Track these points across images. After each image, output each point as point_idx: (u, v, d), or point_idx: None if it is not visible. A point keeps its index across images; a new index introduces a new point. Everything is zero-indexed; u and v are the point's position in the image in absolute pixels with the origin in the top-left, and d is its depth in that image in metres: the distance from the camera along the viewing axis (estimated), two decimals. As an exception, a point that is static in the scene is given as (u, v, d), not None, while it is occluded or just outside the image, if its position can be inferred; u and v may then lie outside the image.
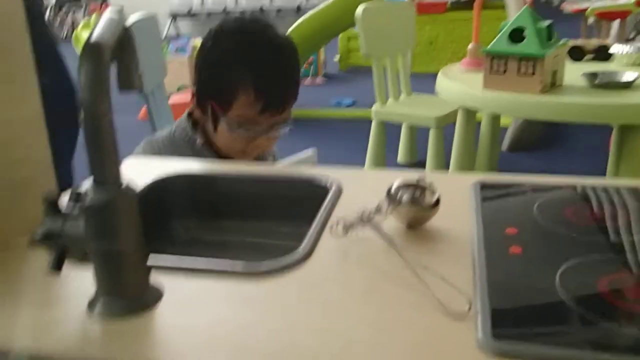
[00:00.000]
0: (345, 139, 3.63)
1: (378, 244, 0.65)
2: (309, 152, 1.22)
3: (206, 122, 1.10)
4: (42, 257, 0.60)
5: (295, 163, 1.20)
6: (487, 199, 0.77)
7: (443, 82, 2.13)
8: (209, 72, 1.06)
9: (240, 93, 1.02)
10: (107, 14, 0.57)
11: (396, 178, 0.71)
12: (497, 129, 2.66)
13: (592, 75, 1.89)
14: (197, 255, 0.88)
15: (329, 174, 0.88)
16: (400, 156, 3.13)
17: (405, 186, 0.70)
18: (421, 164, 2.93)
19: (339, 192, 0.83)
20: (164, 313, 0.56)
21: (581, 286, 0.57)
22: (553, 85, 1.88)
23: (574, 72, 1.94)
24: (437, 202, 0.70)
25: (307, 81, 4.99)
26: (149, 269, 0.58)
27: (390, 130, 2.86)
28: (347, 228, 0.67)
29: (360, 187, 0.85)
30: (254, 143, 1.08)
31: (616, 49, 2.19)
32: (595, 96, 1.79)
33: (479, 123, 2.48)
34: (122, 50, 0.57)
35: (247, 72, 1.01)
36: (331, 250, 0.66)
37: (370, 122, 2.83)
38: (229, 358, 0.49)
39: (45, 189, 0.76)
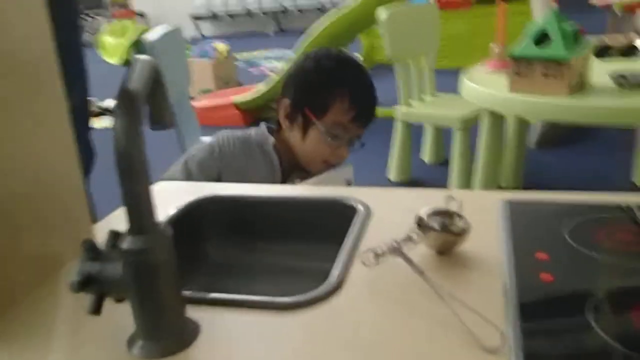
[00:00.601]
0: (366, 138, 3.63)
1: (409, 274, 0.65)
2: (345, 168, 1.30)
3: (292, 131, 1.25)
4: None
5: (332, 177, 1.25)
6: (516, 220, 0.77)
7: (468, 85, 2.11)
8: (311, 85, 1.24)
9: (338, 100, 1.22)
10: (139, 59, 0.58)
11: (422, 196, 0.72)
12: (524, 127, 2.63)
13: (620, 77, 1.86)
14: (228, 277, 0.90)
15: (358, 195, 0.89)
16: (427, 155, 3.12)
17: (436, 213, 0.70)
18: (447, 163, 2.91)
19: (367, 214, 0.83)
20: (201, 351, 0.57)
21: (617, 319, 0.57)
22: (580, 87, 1.85)
23: (601, 71, 1.91)
24: (468, 227, 0.70)
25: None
26: (185, 304, 0.59)
27: (413, 128, 2.85)
28: (378, 257, 0.68)
29: (388, 208, 0.85)
30: (337, 151, 1.25)
31: (645, 44, 2.15)
32: (622, 98, 1.76)
33: (505, 120, 2.45)
34: (153, 93, 0.58)
35: (345, 84, 1.23)
36: (362, 280, 0.67)
37: (392, 120, 2.82)
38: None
39: (74, 207, 0.79)
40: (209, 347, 0.58)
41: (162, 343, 0.57)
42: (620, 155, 2.82)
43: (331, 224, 0.87)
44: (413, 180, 2.90)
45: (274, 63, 6.30)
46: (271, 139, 1.26)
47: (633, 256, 0.68)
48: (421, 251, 0.70)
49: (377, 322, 0.60)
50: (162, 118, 0.60)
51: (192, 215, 0.91)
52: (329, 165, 1.27)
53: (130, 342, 0.58)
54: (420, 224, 0.70)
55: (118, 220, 0.80)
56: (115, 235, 0.57)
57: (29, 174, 0.70)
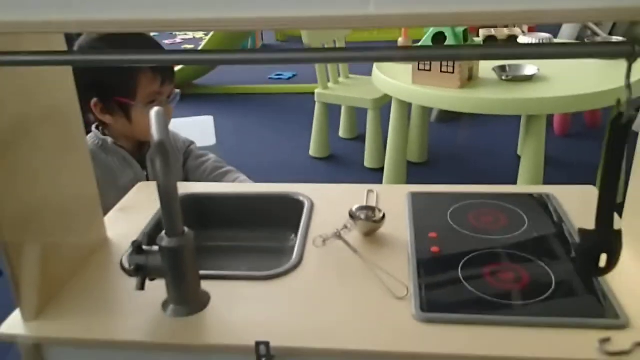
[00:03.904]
0: (288, 113, 3.92)
1: (346, 252, 0.97)
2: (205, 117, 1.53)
3: (117, 123, 1.38)
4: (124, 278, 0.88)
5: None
6: (416, 208, 1.10)
7: (377, 75, 2.44)
8: (109, 77, 1.33)
9: (142, 77, 1.33)
10: (154, 113, 0.82)
11: (351, 191, 1.03)
12: (426, 108, 3.02)
13: (501, 69, 2.26)
14: (209, 258, 1.17)
15: (303, 190, 1.18)
16: (342, 132, 3.46)
17: (362, 208, 1.02)
18: (361, 138, 3.27)
19: (311, 207, 1.13)
20: (213, 310, 0.86)
21: (474, 273, 0.91)
22: (470, 79, 2.23)
23: (488, 65, 2.30)
24: (384, 216, 1.02)
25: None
26: (200, 280, 0.87)
27: (332, 107, 3.15)
28: (325, 241, 0.98)
29: (326, 201, 1.16)
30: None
31: (523, 39, 2.56)
32: (503, 90, 2.15)
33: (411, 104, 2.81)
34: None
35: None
36: (314, 257, 0.97)
37: (312, 94, 3.12)
38: (260, 336, 0.80)
39: (94, 215, 1.03)
40: (218, 308, 0.86)
41: (187, 307, 0.85)
42: (509, 130, 3.30)
43: (283, 213, 1.16)
44: (331, 155, 3.24)
45: (190, 35, 6.36)
46: (109, 139, 1.39)
47: (490, 232, 1.03)
48: (354, 235, 1.02)
49: (327, 285, 0.91)
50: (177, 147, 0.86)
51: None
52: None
53: (164, 306, 0.85)
54: (352, 216, 1.01)
55: (112, 221, 1.07)
56: (148, 238, 0.84)
57: (66, 191, 0.94)
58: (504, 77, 2.21)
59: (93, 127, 1.43)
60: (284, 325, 0.82)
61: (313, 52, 0.85)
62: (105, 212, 1.13)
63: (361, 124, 3.25)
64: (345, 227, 1.00)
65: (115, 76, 1.33)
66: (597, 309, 0.82)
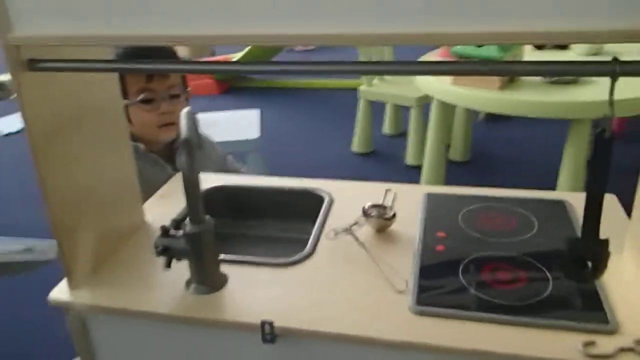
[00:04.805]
0: (332, 108, 4.00)
1: (355, 246, 1.04)
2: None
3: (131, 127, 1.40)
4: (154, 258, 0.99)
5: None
6: (430, 209, 1.17)
7: (419, 75, 2.48)
8: None
9: (127, 75, 1.36)
10: (184, 114, 0.92)
11: (370, 188, 1.10)
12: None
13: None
14: (233, 244, 1.28)
15: (324, 186, 1.27)
16: (386, 128, 3.51)
17: (374, 206, 1.09)
18: (404, 135, 3.31)
19: (331, 201, 1.21)
20: (230, 290, 0.95)
21: (474, 273, 0.97)
22: (512, 80, 2.24)
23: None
24: (394, 215, 1.09)
25: (298, 47, 5.28)
26: (219, 263, 0.97)
27: (376, 103, 3.21)
28: (337, 234, 1.06)
29: (345, 197, 1.23)
30: (160, 112, 1.40)
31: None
32: (546, 92, 2.14)
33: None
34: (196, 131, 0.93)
35: (122, 56, 1.35)
36: (326, 249, 1.06)
37: (356, 90, 3.18)
38: (266, 316, 0.89)
39: (133, 199, 1.15)
40: (234, 289, 0.96)
41: (208, 285, 0.95)
42: (553, 130, 3.27)
43: (304, 207, 1.25)
44: (374, 151, 3.30)
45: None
46: (141, 145, 1.43)
47: (498, 235, 1.08)
48: (366, 231, 1.09)
49: (333, 276, 0.99)
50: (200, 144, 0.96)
51: (206, 200, 1.27)
52: (168, 125, 1.43)
53: (187, 285, 0.96)
54: (365, 213, 1.09)
55: (151, 206, 1.18)
56: (175, 223, 0.94)
57: (110, 179, 1.06)
58: (548, 79, 2.21)
59: None
60: (290, 309, 0.91)
61: (361, 65, 0.89)
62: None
63: (406, 121, 3.29)
64: (356, 223, 1.07)
65: None
66: (588, 313, 0.86)
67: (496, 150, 3.27)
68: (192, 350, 0.94)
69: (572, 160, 2.23)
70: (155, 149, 1.49)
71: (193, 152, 0.88)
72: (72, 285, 0.97)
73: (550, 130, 3.37)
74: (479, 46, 2.17)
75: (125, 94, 1.39)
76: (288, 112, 4.02)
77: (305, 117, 3.93)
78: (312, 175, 1.33)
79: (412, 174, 2.97)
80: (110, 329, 0.98)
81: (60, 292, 0.97)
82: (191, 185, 0.89)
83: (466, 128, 3.09)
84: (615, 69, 0.68)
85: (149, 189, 1.31)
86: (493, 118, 3.60)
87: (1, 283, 2.15)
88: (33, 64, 0.83)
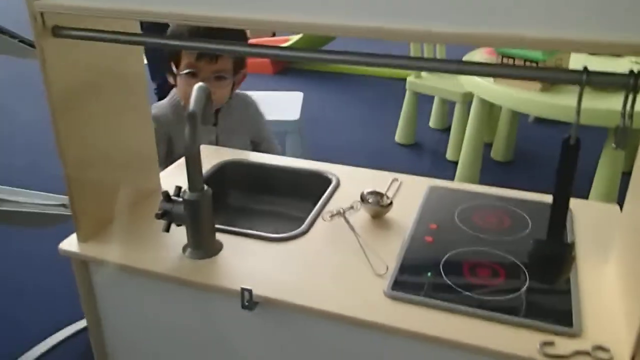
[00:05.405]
0: (379, 97, 4.01)
1: (346, 229, 1.09)
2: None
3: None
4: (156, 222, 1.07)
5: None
6: (429, 201, 1.20)
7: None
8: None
9: (182, 50, 1.51)
10: (196, 88, 0.99)
11: (377, 176, 1.15)
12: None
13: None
14: (239, 217, 1.35)
15: (334, 170, 1.31)
16: (432, 122, 3.50)
17: (372, 193, 1.13)
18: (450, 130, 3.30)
19: (337, 184, 1.26)
20: (222, 257, 1.02)
21: (454, 266, 1.00)
22: (553, 84, 2.20)
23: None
24: (391, 203, 1.13)
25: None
26: (215, 231, 1.04)
27: (423, 95, 3.20)
28: (332, 217, 1.11)
29: (352, 182, 1.28)
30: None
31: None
32: (587, 97, 2.09)
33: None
34: (205, 106, 1.00)
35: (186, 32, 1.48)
36: (320, 229, 1.11)
37: (404, 81, 3.19)
38: (249, 284, 0.95)
39: (151, 166, 1.23)
40: (227, 257, 1.03)
41: (202, 251, 1.02)
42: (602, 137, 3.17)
43: (312, 188, 1.30)
44: (416, 143, 3.30)
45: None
46: (178, 98, 1.62)
47: (490, 232, 1.10)
48: (362, 216, 1.14)
49: (322, 254, 1.04)
50: (207, 119, 1.02)
51: (218, 173, 1.35)
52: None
53: (184, 249, 1.03)
54: (362, 199, 1.13)
55: (168, 175, 1.26)
56: (177, 189, 1.01)
57: (126, 144, 1.15)
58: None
59: (173, 90, 1.66)
60: (273, 281, 0.97)
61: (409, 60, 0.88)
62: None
63: (452, 116, 3.27)
64: (352, 207, 1.12)
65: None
66: (554, 314, 0.88)
67: (540, 152, 3.20)
68: (181, 308, 1.02)
69: (607, 169, 2.18)
70: None
71: (196, 125, 0.95)
72: (81, 239, 1.06)
73: (600, 137, 3.27)
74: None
75: (177, 65, 1.56)
76: (333, 96, 4.06)
77: (349, 102, 3.96)
78: (349, 162, 1.38)
79: (451, 169, 2.96)
80: (111, 280, 1.07)
81: (70, 245, 1.06)
82: (192, 156, 0.96)
83: (510, 128, 3.04)
84: (582, 79, 0.70)
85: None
86: (543, 119, 3.51)
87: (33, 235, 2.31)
88: (57, 31, 0.91)
